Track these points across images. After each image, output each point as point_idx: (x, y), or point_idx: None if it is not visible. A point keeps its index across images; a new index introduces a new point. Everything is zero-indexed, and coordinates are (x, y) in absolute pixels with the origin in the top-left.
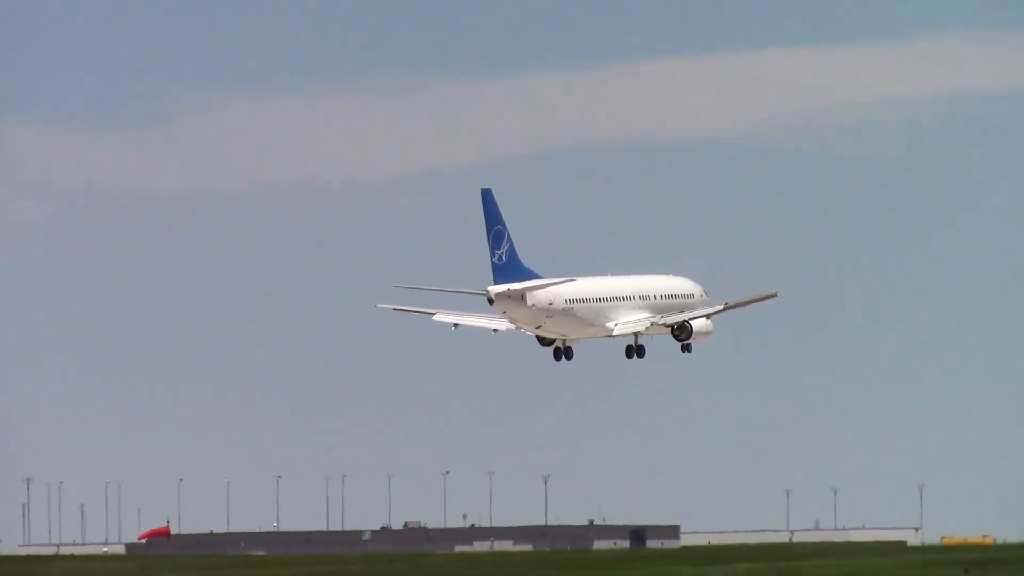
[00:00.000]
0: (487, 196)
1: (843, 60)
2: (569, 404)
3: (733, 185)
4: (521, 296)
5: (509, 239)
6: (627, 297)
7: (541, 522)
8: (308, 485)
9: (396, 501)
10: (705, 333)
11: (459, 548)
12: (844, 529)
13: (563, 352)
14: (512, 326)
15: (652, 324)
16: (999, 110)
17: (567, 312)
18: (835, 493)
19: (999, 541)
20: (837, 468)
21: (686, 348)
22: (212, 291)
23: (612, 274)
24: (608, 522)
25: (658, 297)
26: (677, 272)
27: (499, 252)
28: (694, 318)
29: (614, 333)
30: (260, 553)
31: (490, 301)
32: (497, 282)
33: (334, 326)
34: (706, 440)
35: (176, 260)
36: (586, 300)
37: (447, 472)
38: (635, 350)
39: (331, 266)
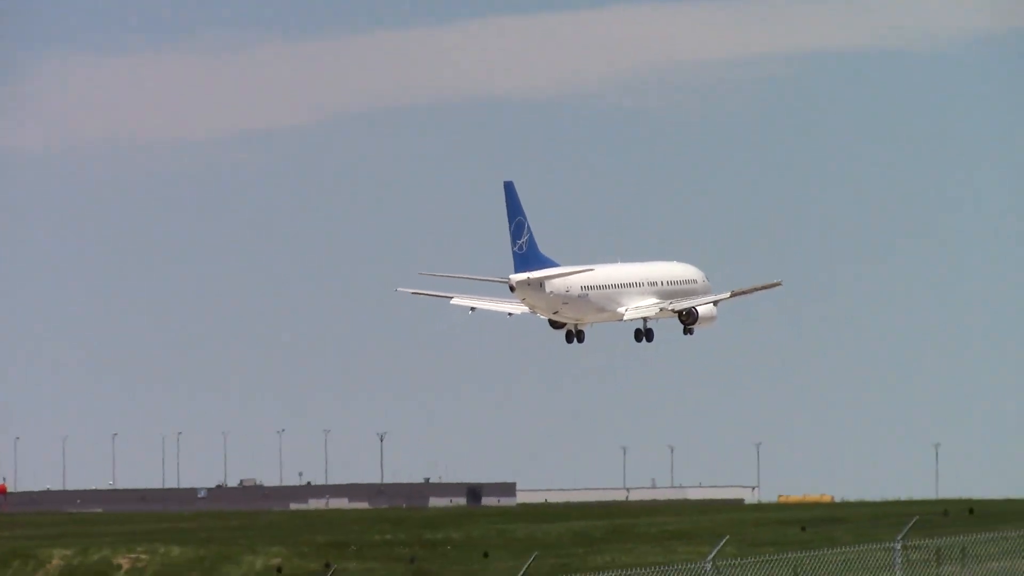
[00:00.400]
0: (509, 188)
1: (685, 17)
2: (406, 363)
3: (574, 144)
4: (540, 284)
5: (529, 230)
6: (637, 284)
7: (377, 480)
8: (144, 443)
9: (232, 459)
10: (710, 318)
11: (294, 506)
12: (681, 487)
13: (575, 335)
14: (528, 310)
15: (661, 310)
16: (848, 68)
17: (582, 298)
18: (672, 451)
19: (837, 499)
20: (674, 426)
21: (689, 331)
22: (37, 247)
23: (622, 261)
24: (444, 480)
25: (665, 283)
26: (683, 258)
27: (520, 242)
28: (700, 304)
29: (624, 318)
30: (96, 510)
31: (511, 289)
32: (518, 271)
33: (166, 281)
34: (543, 398)
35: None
36: (599, 287)
37: (282, 430)
38: (644, 334)
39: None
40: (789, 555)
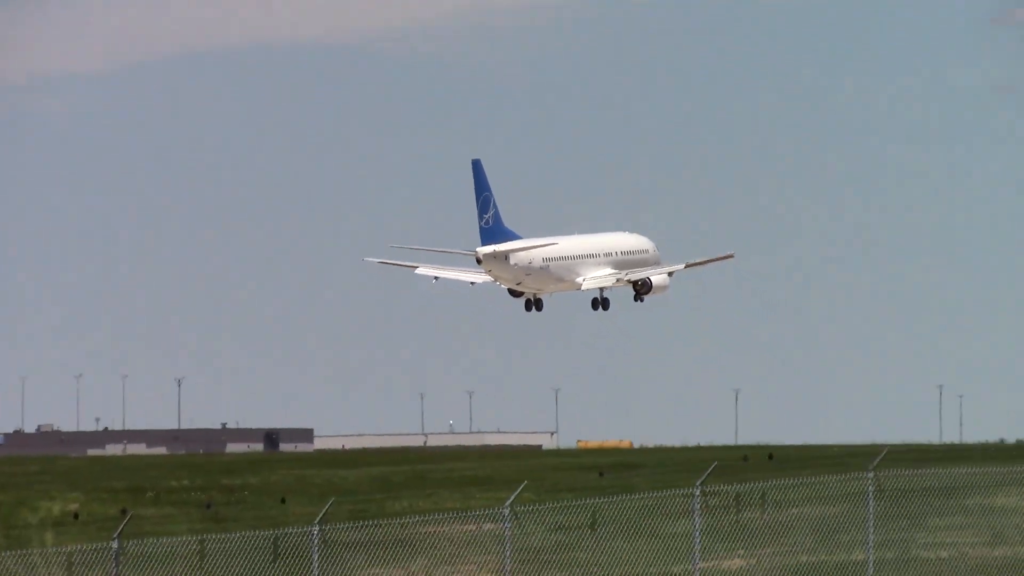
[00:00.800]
0: (477, 166)
1: None
2: (204, 308)
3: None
4: (505, 256)
5: (495, 205)
6: (593, 255)
7: (175, 426)
8: None
9: (29, 404)
10: (663, 287)
11: (92, 451)
12: (479, 433)
13: (534, 303)
14: (490, 279)
15: (617, 280)
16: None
17: (543, 269)
18: (470, 397)
19: (636, 445)
20: (473, 372)
21: (639, 299)
22: None
23: (579, 232)
24: (241, 425)
25: (618, 253)
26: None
27: (486, 217)
28: (655, 275)
29: (582, 288)
30: None
31: (478, 261)
32: (484, 243)
33: None
34: (340, 344)
35: None
36: (559, 258)
37: (80, 375)
38: (600, 303)
39: None
40: (587, 501)
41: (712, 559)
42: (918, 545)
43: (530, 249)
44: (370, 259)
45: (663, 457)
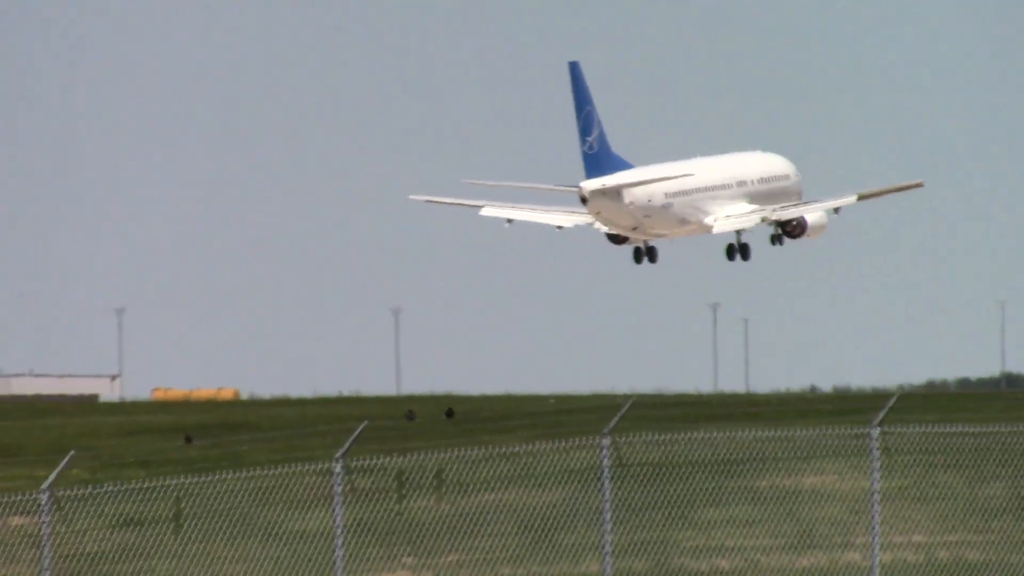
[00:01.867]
0: (575, 70)
1: None
2: None
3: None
4: (618, 193)
5: (599, 123)
6: (725, 185)
7: None
8: None
9: None
10: (820, 228)
11: None
12: (3, 377)
13: (645, 253)
14: (584, 222)
15: (763, 219)
16: None
17: (666, 208)
18: None
19: (244, 395)
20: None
21: (779, 242)
22: None
23: (699, 155)
24: None
25: (754, 182)
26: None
27: (589, 140)
28: (812, 212)
29: (714, 231)
30: None
31: (583, 200)
32: (590, 176)
33: None
34: None
35: None
36: (683, 192)
37: None
38: (738, 249)
39: None
40: (169, 482)
41: (363, 573)
42: (682, 550)
43: (651, 182)
44: (416, 197)
45: (280, 413)
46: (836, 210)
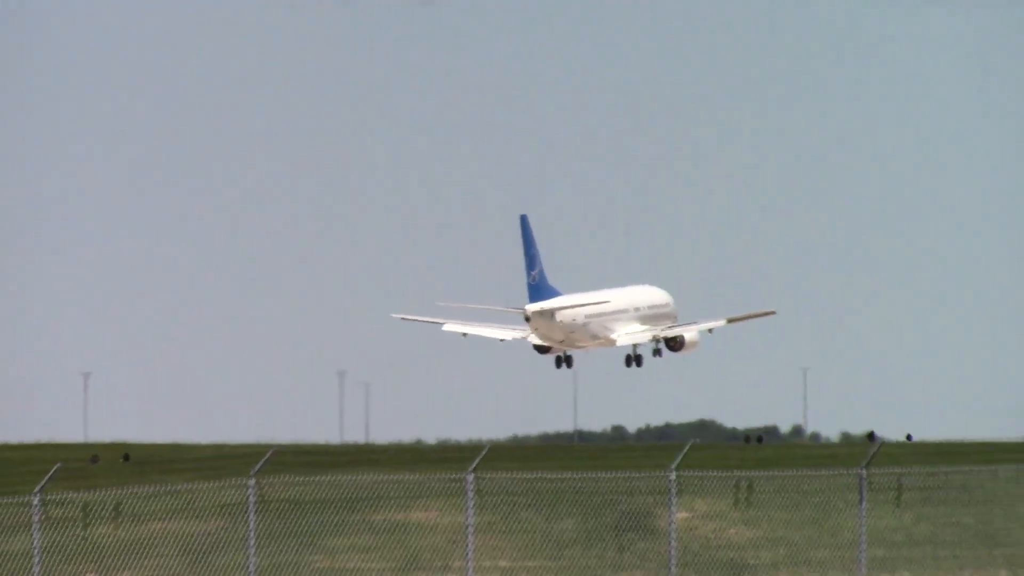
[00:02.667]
0: (524, 221)
1: None
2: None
3: None
4: (552, 314)
5: (540, 261)
6: (624, 310)
7: None
8: None
9: None
10: (694, 344)
11: None
12: None
13: (564, 360)
14: (524, 336)
15: (653, 337)
16: None
17: (585, 326)
18: None
19: None
20: None
21: (658, 353)
22: None
23: (606, 288)
24: None
25: (645, 308)
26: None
27: (533, 273)
28: (689, 331)
29: (618, 343)
30: None
31: (526, 319)
32: (532, 300)
33: None
34: None
35: None
36: (597, 315)
37: None
38: (634, 359)
39: None
40: None
41: None
42: (312, 571)
43: (576, 307)
44: (396, 315)
45: None
46: (710, 330)
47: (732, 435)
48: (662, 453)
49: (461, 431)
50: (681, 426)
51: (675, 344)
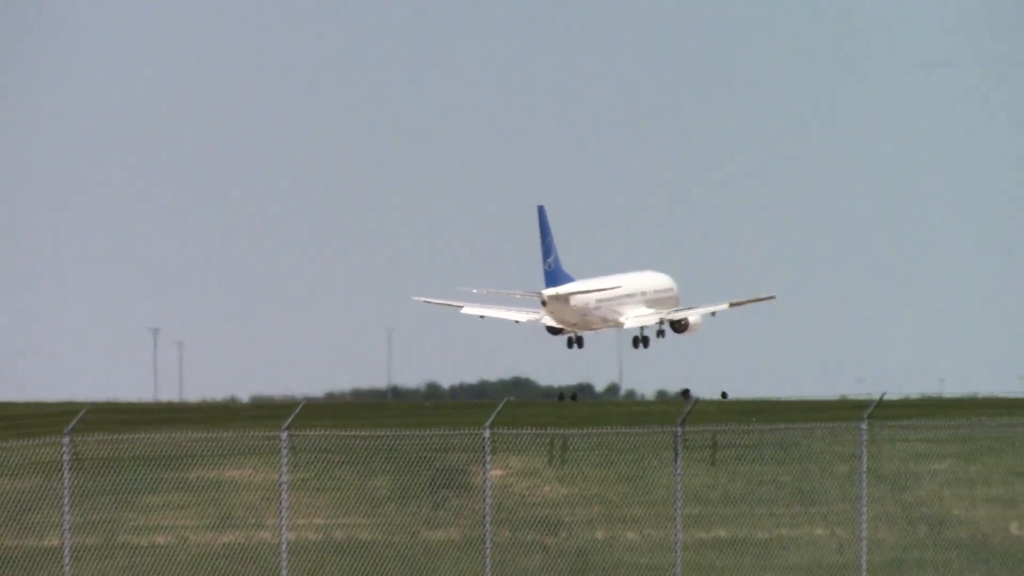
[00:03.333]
0: (541, 212)
1: None
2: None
3: None
4: (567, 299)
5: (555, 249)
6: (632, 295)
7: None
8: None
9: None
10: (697, 326)
11: None
12: None
13: (575, 341)
14: (538, 319)
15: (660, 320)
16: None
17: (597, 310)
18: None
19: None
20: None
21: (661, 334)
22: None
23: (615, 273)
24: None
25: (650, 292)
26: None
27: (548, 260)
28: (693, 315)
29: (626, 326)
30: None
31: (543, 303)
32: (548, 286)
33: None
34: None
35: None
36: (608, 299)
37: None
38: (641, 340)
39: None
40: None
41: None
42: (127, 528)
43: (589, 292)
44: (417, 298)
45: None
46: (713, 313)
47: (547, 393)
48: (477, 410)
49: (275, 388)
50: (496, 384)
51: (680, 326)
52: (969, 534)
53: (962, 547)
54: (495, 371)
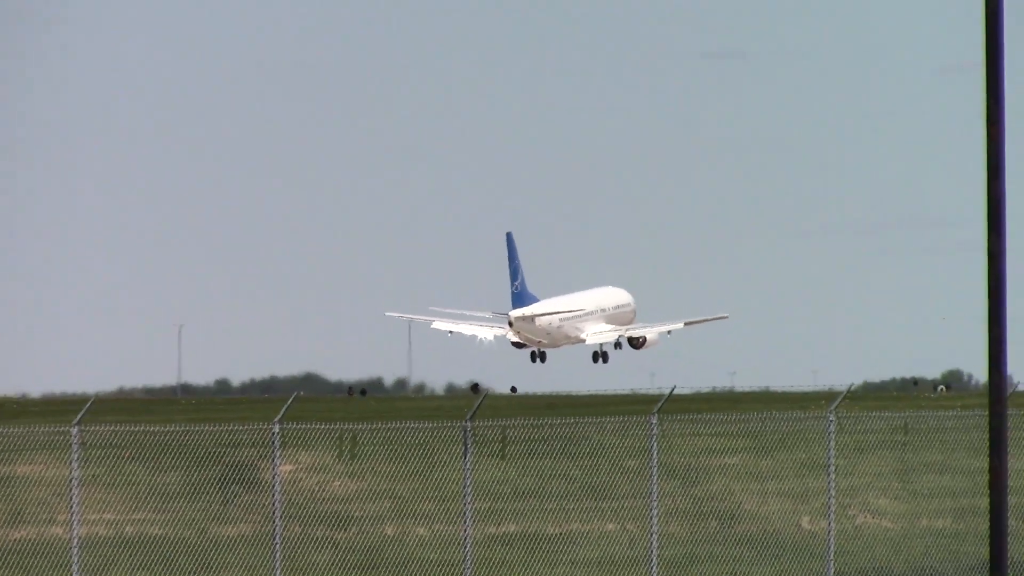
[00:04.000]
0: (509, 238)
1: None
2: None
3: None
4: (533, 319)
5: (522, 272)
6: (592, 312)
7: None
8: None
9: None
10: (655, 342)
11: None
12: None
13: (538, 356)
14: (503, 334)
15: (619, 336)
16: None
17: (560, 328)
18: None
19: None
20: None
21: (619, 346)
22: None
23: (577, 289)
24: None
25: (609, 309)
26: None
27: (516, 283)
28: (651, 332)
29: (587, 342)
30: None
31: (510, 324)
32: (515, 307)
33: None
34: None
35: None
36: (571, 318)
37: None
38: (601, 356)
39: None
40: None
41: None
42: None
43: (552, 314)
44: (391, 313)
45: None
46: (669, 332)
47: (337, 388)
48: (267, 406)
49: (65, 385)
50: (286, 379)
51: (637, 343)
52: (760, 528)
53: (753, 542)
54: (285, 367)
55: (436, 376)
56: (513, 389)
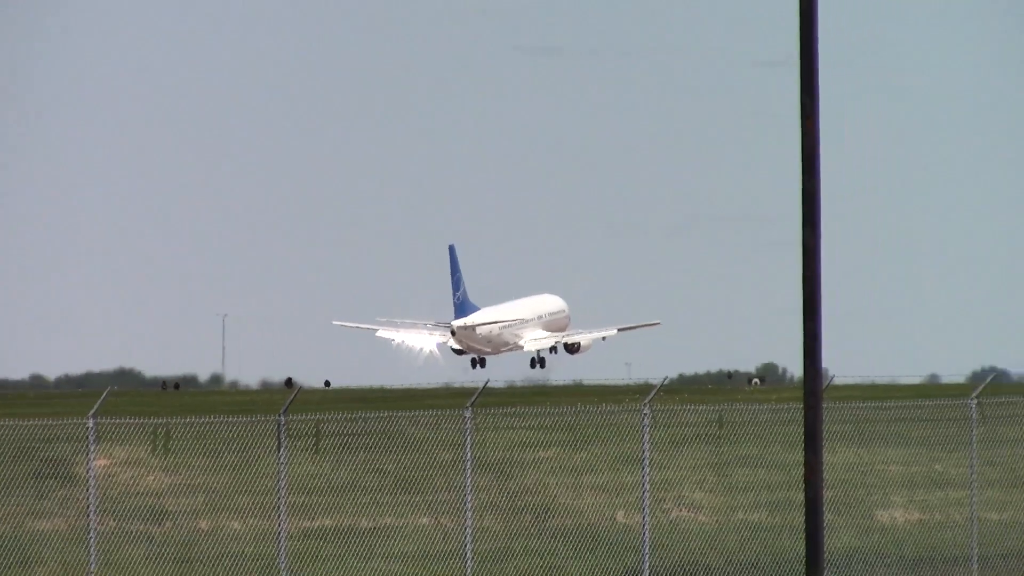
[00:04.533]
0: (452, 251)
1: None
2: None
3: None
4: (474, 328)
5: (463, 283)
6: (529, 319)
7: None
8: None
9: None
10: (588, 347)
11: None
12: None
13: (479, 362)
14: (445, 342)
15: (556, 343)
16: None
17: (500, 336)
18: None
19: None
20: None
21: (554, 351)
22: None
23: (513, 298)
24: None
25: (545, 316)
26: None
27: (458, 294)
28: (585, 338)
29: (525, 349)
30: None
31: (452, 333)
32: (457, 316)
33: None
34: None
35: None
36: (510, 325)
37: None
38: (538, 361)
39: None
40: None
41: None
42: None
43: (492, 324)
44: (337, 322)
45: None
46: (604, 338)
47: (151, 383)
48: (81, 401)
49: None
50: (101, 375)
51: (573, 348)
52: (575, 522)
53: (569, 535)
54: (99, 362)
55: (250, 371)
56: (327, 383)
